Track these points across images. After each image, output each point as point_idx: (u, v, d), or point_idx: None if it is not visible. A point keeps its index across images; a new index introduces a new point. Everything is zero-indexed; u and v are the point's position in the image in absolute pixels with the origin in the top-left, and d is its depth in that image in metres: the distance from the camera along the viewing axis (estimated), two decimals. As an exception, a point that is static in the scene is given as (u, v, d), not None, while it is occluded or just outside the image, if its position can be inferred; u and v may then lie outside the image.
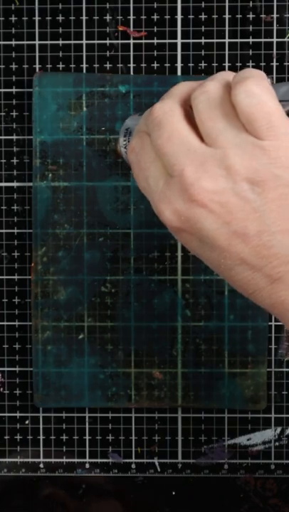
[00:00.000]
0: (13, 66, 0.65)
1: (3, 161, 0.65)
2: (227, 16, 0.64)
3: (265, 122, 0.45)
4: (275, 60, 0.64)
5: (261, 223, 0.45)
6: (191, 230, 0.47)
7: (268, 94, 0.45)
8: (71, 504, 0.66)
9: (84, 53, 0.64)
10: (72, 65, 0.64)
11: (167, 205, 0.47)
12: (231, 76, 0.48)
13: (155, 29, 0.64)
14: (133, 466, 0.66)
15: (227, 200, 0.45)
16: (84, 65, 0.64)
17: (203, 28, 0.64)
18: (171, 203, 0.47)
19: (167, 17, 0.64)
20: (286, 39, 0.64)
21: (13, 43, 0.64)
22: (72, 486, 0.66)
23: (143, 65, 0.64)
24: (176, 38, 0.64)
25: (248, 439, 0.65)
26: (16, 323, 0.66)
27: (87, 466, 0.66)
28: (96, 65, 0.64)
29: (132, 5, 0.64)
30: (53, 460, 0.66)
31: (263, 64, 0.63)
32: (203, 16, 0.64)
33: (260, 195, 0.45)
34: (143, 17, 0.64)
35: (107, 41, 0.64)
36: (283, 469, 0.65)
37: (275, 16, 0.63)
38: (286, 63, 0.64)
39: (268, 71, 0.64)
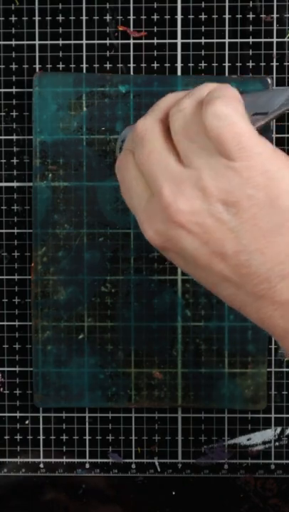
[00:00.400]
0: (13, 66, 0.65)
1: (3, 161, 0.65)
2: (227, 16, 0.64)
3: (234, 144, 0.44)
4: (275, 60, 0.64)
5: (238, 243, 0.45)
6: (174, 249, 0.48)
7: (237, 115, 0.45)
8: (71, 504, 0.66)
9: (84, 53, 0.64)
10: (72, 65, 0.64)
11: (149, 224, 0.48)
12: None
13: (155, 29, 0.64)
14: (133, 466, 0.66)
15: (203, 221, 0.46)
16: (84, 65, 0.64)
17: (203, 28, 0.64)
18: (153, 223, 0.47)
19: (167, 17, 0.64)
20: (286, 39, 0.64)
21: (13, 43, 0.64)
22: (72, 486, 0.66)
23: (143, 65, 0.64)
24: (176, 38, 0.64)
25: (248, 439, 0.65)
26: (16, 323, 0.66)
27: (87, 466, 0.66)
28: (96, 65, 0.64)
29: (132, 5, 0.64)
30: (53, 460, 0.66)
31: (263, 64, 0.63)
32: (203, 16, 0.64)
33: (235, 216, 0.45)
34: (143, 17, 0.64)
35: (107, 41, 0.64)
36: (283, 469, 0.65)
37: (275, 15, 0.63)
38: (286, 63, 0.64)
39: (268, 71, 0.64)
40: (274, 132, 0.64)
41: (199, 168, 0.46)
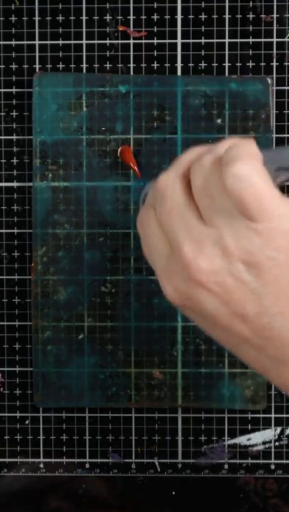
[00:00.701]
0: (13, 66, 0.65)
1: (3, 161, 0.65)
2: (227, 16, 0.64)
3: (256, 206, 0.43)
4: (275, 60, 0.64)
5: (259, 305, 0.44)
6: (194, 308, 0.46)
7: (257, 176, 0.44)
8: (71, 504, 0.66)
9: (84, 53, 0.64)
10: (72, 65, 0.64)
11: (169, 282, 0.47)
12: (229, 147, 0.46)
13: (155, 29, 0.64)
14: (133, 466, 0.66)
15: (224, 281, 0.44)
16: (84, 65, 0.64)
17: (203, 28, 0.64)
18: (173, 281, 0.46)
19: (167, 17, 0.64)
20: (286, 39, 0.64)
21: (13, 43, 0.64)
22: (72, 486, 0.66)
23: (143, 65, 0.64)
24: (176, 38, 0.64)
25: (248, 439, 0.65)
26: (16, 323, 0.66)
27: (87, 466, 0.66)
28: (96, 65, 0.64)
29: (132, 5, 0.64)
30: (53, 460, 0.66)
31: (263, 64, 0.63)
32: (203, 16, 0.64)
33: (256, 277, 0.44)
34: (143, 17, 0.64)
35: (107, 41, 0.64)
36: (283, 469, 0.65)
37: (275, 15, 0.63)
38: (286, 63, 0.64)
39: (268, 71, 0.64)
40: (274, 132, 0.64)
41: (220, 226, 0.45)
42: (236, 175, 0.43)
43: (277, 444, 0.65)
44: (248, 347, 0.46)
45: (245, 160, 0.44)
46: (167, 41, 0.64)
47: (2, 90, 0.65)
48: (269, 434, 0.65)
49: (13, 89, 0.65)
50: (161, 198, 0.47)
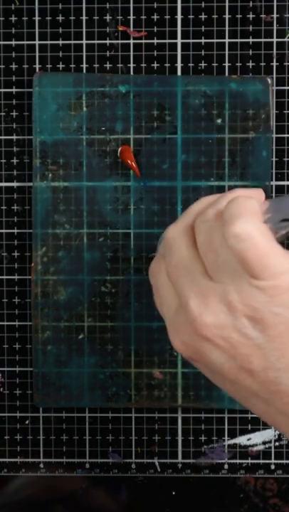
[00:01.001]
0: (13, 66, 0.65)
1: (3, 161, 0.65)
2: (227, 16, 0.64)
3: (258, 264, 0.43)
4: (275, 60, 0.64)
5: (266, 360, 0.44)
6: (201, 361, 0.47)
7: (258, 233, 0.44)
8: (71, 504, 0.66)
9: (84, 53, 0.64)
10: (72, 65, 0.64)
11: (177, 335, 0.47)
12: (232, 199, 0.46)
13: (155, 29, 0.64)
14: (133, 466, 0.66)
15: (229, 336, 0.44)
16: (84, 65, 0.64)
17: (203, 28, 0.64)
18: (180, 334, 0.46)
19: (167, 17, 0.64)
20: (286, 39, 0.64)
21: (13, 43, 0.64)
22: (73, 486, 0.66)
23: (143, 65, 0.64)
24: (176, 38, 0.64)
25: (248, 439, 0.65)
26: (16, 323, 0.66)
27: (87, 466, 0.66)
28: (96, 65, 0.64)
29: (132, 5, 0.64)
30: (53, 460, 0.66)
31: (263, 64, 0.63)
32: (203, 16, 0.64)
33: (261, 333, 0.44)
34: (143, 17, 0.64)
35: (107, 41, 0.64)
36: (283, 469, 0.65)
37: (275, 15, 0.63)
38: (286, 63, 0.64)
39: (268, 71, 0.64)
40: (274, 132, 0.64)
41: (225, 282, 0.45)
42: (237, 235, 0.43)
43: (277, 444, 0.65)
44: (257, 400, 0.46)
45: (245, 218, 0.44)
46: (167, 41, 0.64)
47: (2, 90, 0.65)
48: (269, 434, 0.65)
49: (13, 89, 0.65)
50: (169, 250, 0.47)
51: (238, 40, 0.64)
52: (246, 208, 0.45)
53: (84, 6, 0.64)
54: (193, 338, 0.46)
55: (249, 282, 0.44)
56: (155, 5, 0.64)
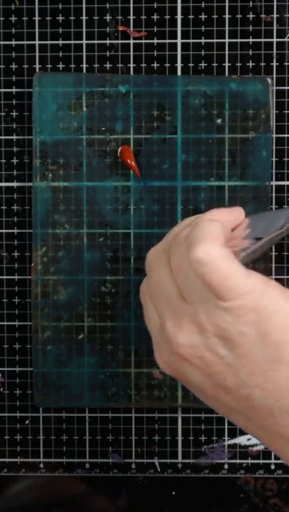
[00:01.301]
0: (13, 66, 0.65)
1: (3, 161, 0.65)
2: (227, 16, 0.64)
3: (222, 286, 0.44)
4: (275, 60, 0.64)
5: (237, 378, 0.45)
6: (183, 379, 0.48)
7: (219, 258, 0.44)
8: (71, 509, 0.66)
9: (84, 53, 0.64)
10: (72, 65, 0.64)
11: (159, 354, 0.48)
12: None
13: (155, 29, 0.64)
14: (133, 466, 0.66)
15: (203, 355, 0.46)
16: (84, 65, 0.64)
17: (203, 28, 0.64)
18: (162, 353, 0.48)
19: (167, 17, 0.64)
20: (286, 39, 0.64)
21: (13, 43, 0.64)
22: (72, 486, 0.66)
23: (143, 65, 0.64)
24: (176, 38, 0.64)
25: (248, 439, 0.65)
26: (16, 323, 0.66)
27: (87, 466, 0.66)
28: (96, 65, 0.64)
29: (132, 5, 0.64)
30: (53, 460, 0.66)
31: (263, 64, 0.63)
32: (203, 16, 0.64)
33: (231, 351, 0.45)
34: (143, 17, 0.64)
35: (107, 41, 0.64)
36: (283, 469, 0.65)
37: (275, 15, 0.63)
38: (286, 63, 0.64)
39: (268, 71, 0.64)
40: (274, 132, 0.64)
41: (195, 303, 0.46)
42: (199, 259, 0.44)
43: (277, 444, 0.65)
44: (237, 416, 0.47)
45: (207, 242, 0.45)
46: (167, 41, 0.64)
47: (2, 90, 0.65)
48: (269, 434, 0.65)
49: (13, 89, 0.65)
50: (150, 270, 0.49)
51: (238, 40, 0.64)
52: (209, 231, 0.46)
53: (84, 6, 0.64)
54: (172, 358, 0.47)
55: (215, 304, 0.45)
56: (155, 5, 0.64)
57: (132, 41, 0.64)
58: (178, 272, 0.47)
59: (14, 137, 0.65)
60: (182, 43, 0.64)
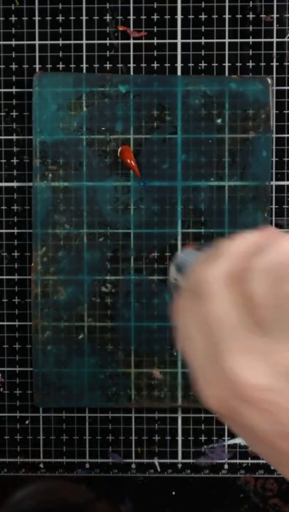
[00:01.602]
0: (13, 66, 0.65)
1: (3, 161, 0.65)
2: (227, 16, 0.64)
3: None
4: (275, 60, 0.64)
5: None
6: (235, 420, 0.42)
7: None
8: (71, 504, 0.66)
9: (84, 53, 0.64)
10: (72, 65, 0.64)
11: (209, 388, 0.42)
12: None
13: (155, 29, 0.64)
14: (133, 466, 0.66)
15: (277, 401, 0.40)
16: (84, 65, 0.64)
17: (203, 28, 0.64)
18: (214, 388, 0.42)
19: (167, 17, 0.64)
20: (286, 39, 0.64)
21: (13, 43, 0.64)
22: (72, 486, 0.66)
23: (143, 65, 0.64)
24: (176, 38, 0.64)
25: (248, 439, 0.65)
26: (16, 323, 0.66)
27: (87, 466, 0.66)
28: (96, 65, 0.64)
29: (132, 5, 0.64)
30: (53, 460, 0.66)
31: (263, 64, 0.63)
32: (203, 16, 0.64)
33: None
34: (143, 17, 0.64)
35: (107, 41, 0.64)
36: (283, 469, 0.65)
37: (275, 15, 0.63)
38: (286, 63, 0.64)
39: (268, 71, 0.64)
40: (274, 132, 0.64)
41: (279, 339, 0.40)
42: None
43: (277, 444, 0.65)
44: None
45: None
46: (167, 41, 0.64)
47: (2, 90, 0.65)
48: (269, 434, 0.65)
49: (13, 89, 0.65)
50: (208, 295, 0.43)
51: (238, 40, 0.64)
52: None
53: (84, 6, 0.64)
54: (230, 396, 0.41)
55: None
56: (155, 5, 0.64)
57: (132, 41, 0.64)
58: (263, 302, 0.41)
59: (14, 137, 0.65)
60: (182, 43, 0.64)
